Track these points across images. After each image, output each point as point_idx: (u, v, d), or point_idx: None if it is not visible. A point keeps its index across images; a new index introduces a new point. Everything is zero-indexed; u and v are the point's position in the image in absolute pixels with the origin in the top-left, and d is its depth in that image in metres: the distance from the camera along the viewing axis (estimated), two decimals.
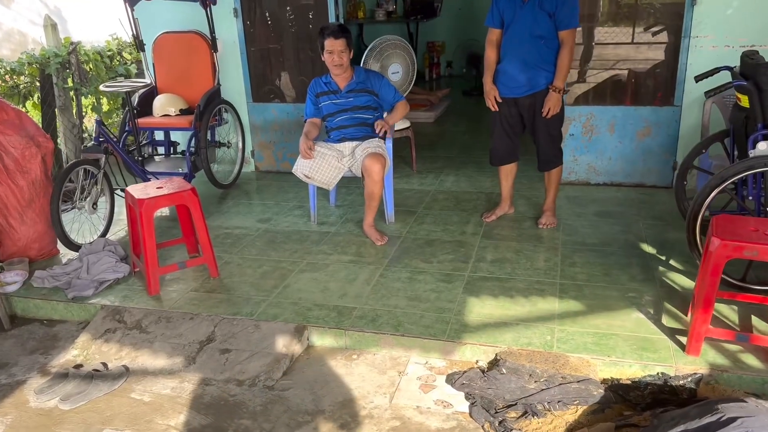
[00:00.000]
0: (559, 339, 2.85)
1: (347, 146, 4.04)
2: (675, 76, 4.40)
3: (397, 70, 4.93)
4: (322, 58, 3.93)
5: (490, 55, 3.89)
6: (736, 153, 3.42)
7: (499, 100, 3.88)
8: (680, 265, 3.49)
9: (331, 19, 4.89)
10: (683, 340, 2.80)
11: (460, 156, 5.70)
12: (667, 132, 4.52)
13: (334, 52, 3.86)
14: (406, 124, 5.15)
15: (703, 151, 3.65)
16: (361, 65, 4.85)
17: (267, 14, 5.14)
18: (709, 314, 2.63)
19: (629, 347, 2.77)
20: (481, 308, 3.14)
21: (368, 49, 4.85)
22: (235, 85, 5.27)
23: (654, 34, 4.55)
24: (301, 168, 3.96)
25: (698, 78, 3.42)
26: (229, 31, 5.13)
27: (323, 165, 3.96)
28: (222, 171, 5.19)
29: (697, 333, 2.66)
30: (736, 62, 3.85)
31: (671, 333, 2.87)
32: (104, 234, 4.10)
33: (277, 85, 5.42)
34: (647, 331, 2.90)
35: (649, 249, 3.71)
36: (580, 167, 4.77)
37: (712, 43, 4.26)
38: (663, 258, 3.59)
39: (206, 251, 3.56)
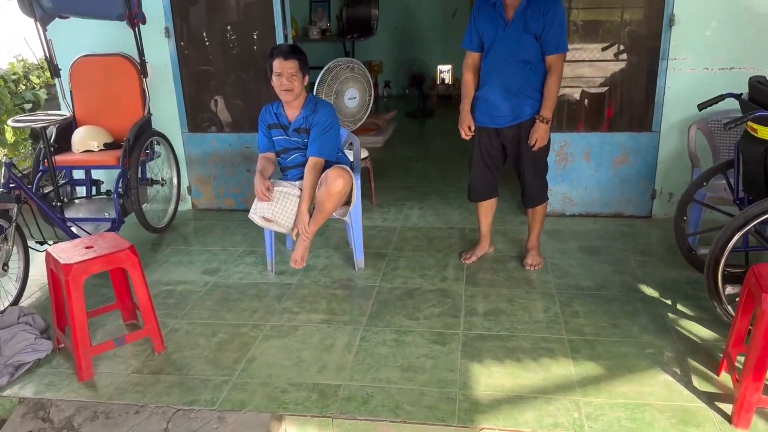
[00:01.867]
0: (587, 415, 2.44)
1: None
2: (653, 101, 4.15)
3: (354, 96, 4.46)
4: (272, 83, 3.43)
5: (468, 80, 3.51)
6: (741, 186, 3.16)
7: (472, 132, 3.51)
8: (690, 311, 3.18)
9: (279, 40, 4.37)
10: (723, 407, 2.46)
11: (419, 185, 5.27)
12: (645, 159, 4.27)
13: (283, 74, 3.36)
14: (364, 153, 4.68)
15: (704, 184, 3.39)
16: (314, 91, 4.35)
17: (204, 34, 4.55)
18: (761, 382, 2.29)
19: (668, 422, 2.40)
20: (488, 377, 2.69)
21: (322, 71, 4.36)
22: (167, 114, 4.63)
23: (625, 56, 4.30)
24: (259, 211, 3.41)
25: (702, 106, 3.16)
26: (160, 53, 4.49)
27: (287, 206, 3.42)
28: (154, 211, 4.53)
29: (748, 403, 2.32)
30: (715, 85, 3.68)
31: (708, 399, 2.52)
32: (17, 301, 3.38)
33: (216, 112, 4.82)
34: (681, 398, 2.54)
35: (650, 291, 3.39)
36: (555, 197, 4.42)
37: (691, 66, 4.04)
38: (668, 302, 3.27)
39: (149, 322, 2.94)
